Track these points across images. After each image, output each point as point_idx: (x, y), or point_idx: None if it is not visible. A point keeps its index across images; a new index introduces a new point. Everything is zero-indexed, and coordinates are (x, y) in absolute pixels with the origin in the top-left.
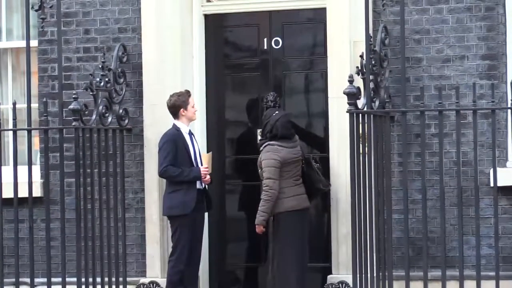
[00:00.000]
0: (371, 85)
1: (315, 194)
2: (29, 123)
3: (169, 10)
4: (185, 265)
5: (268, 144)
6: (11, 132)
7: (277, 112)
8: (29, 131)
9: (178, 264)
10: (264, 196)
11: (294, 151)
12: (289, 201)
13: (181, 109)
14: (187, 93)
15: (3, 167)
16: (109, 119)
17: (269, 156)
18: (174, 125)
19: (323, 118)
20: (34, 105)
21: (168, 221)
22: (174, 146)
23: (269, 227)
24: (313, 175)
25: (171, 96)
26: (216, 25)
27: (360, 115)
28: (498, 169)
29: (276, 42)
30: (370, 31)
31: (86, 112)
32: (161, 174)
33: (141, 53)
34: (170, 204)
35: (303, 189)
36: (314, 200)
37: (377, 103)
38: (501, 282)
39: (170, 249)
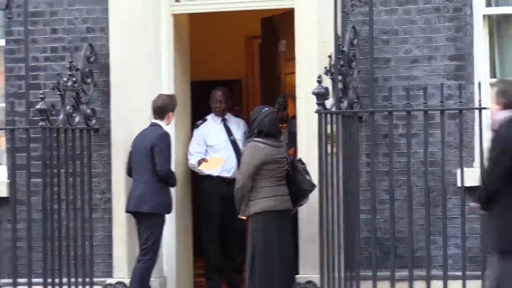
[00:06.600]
0: (340, 85)
1: (301, 196)
2: None
3: (137, 10)
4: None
5: (252, 141)
6: None
7: (266, 109)
8: None
9: (153, 264)
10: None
11: (278, 150)
12: (267, 201)
13: (171, 112)
14: None
15: None
16: (77, 119)
17: (250, 152)
18: (161, 126)
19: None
20: (1, 104)
21: (134, 219)
22: None
23: (248, 230)
24: (298, 176)
25: (161, 96)
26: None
27: (329, 115)
28: (465, 169)
29: None
30: (339, 32)
31: (53, 112)
32: (169, 172)
33: (109, 53)
34: (160, 201)
35: (286, 190)
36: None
37: (345, 103)
38: (468, 282)
39: (137, 249)
